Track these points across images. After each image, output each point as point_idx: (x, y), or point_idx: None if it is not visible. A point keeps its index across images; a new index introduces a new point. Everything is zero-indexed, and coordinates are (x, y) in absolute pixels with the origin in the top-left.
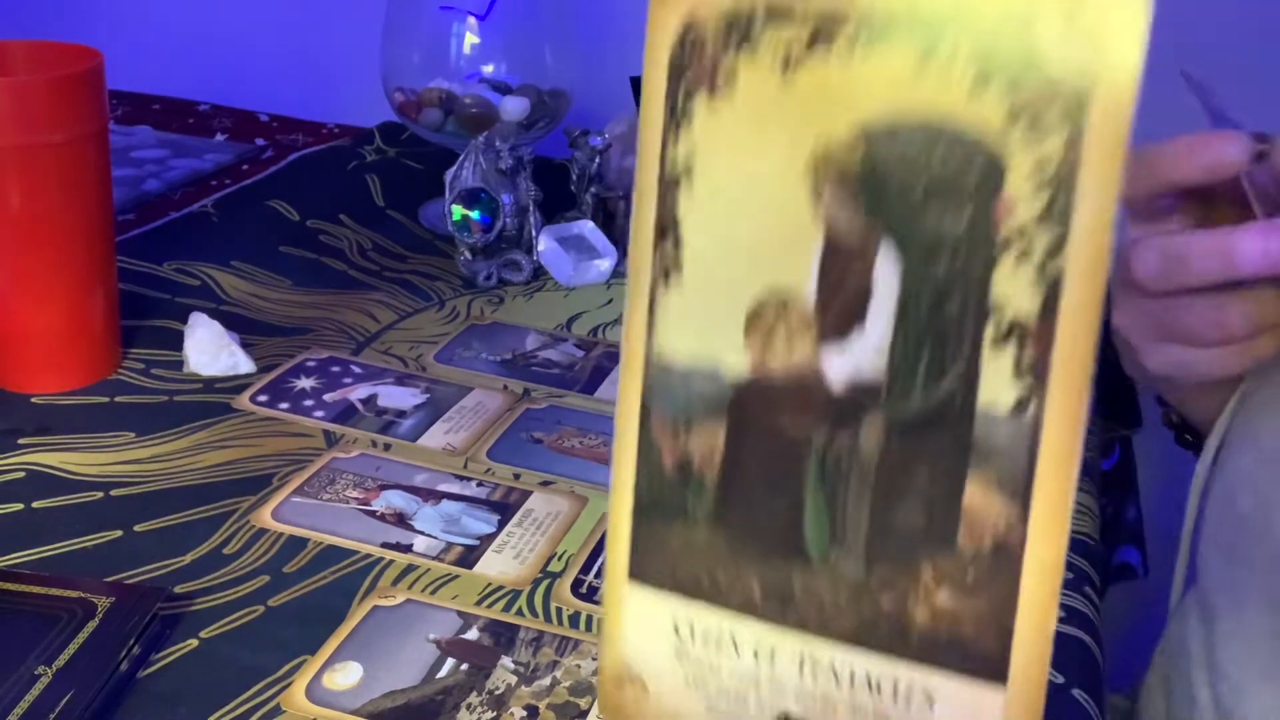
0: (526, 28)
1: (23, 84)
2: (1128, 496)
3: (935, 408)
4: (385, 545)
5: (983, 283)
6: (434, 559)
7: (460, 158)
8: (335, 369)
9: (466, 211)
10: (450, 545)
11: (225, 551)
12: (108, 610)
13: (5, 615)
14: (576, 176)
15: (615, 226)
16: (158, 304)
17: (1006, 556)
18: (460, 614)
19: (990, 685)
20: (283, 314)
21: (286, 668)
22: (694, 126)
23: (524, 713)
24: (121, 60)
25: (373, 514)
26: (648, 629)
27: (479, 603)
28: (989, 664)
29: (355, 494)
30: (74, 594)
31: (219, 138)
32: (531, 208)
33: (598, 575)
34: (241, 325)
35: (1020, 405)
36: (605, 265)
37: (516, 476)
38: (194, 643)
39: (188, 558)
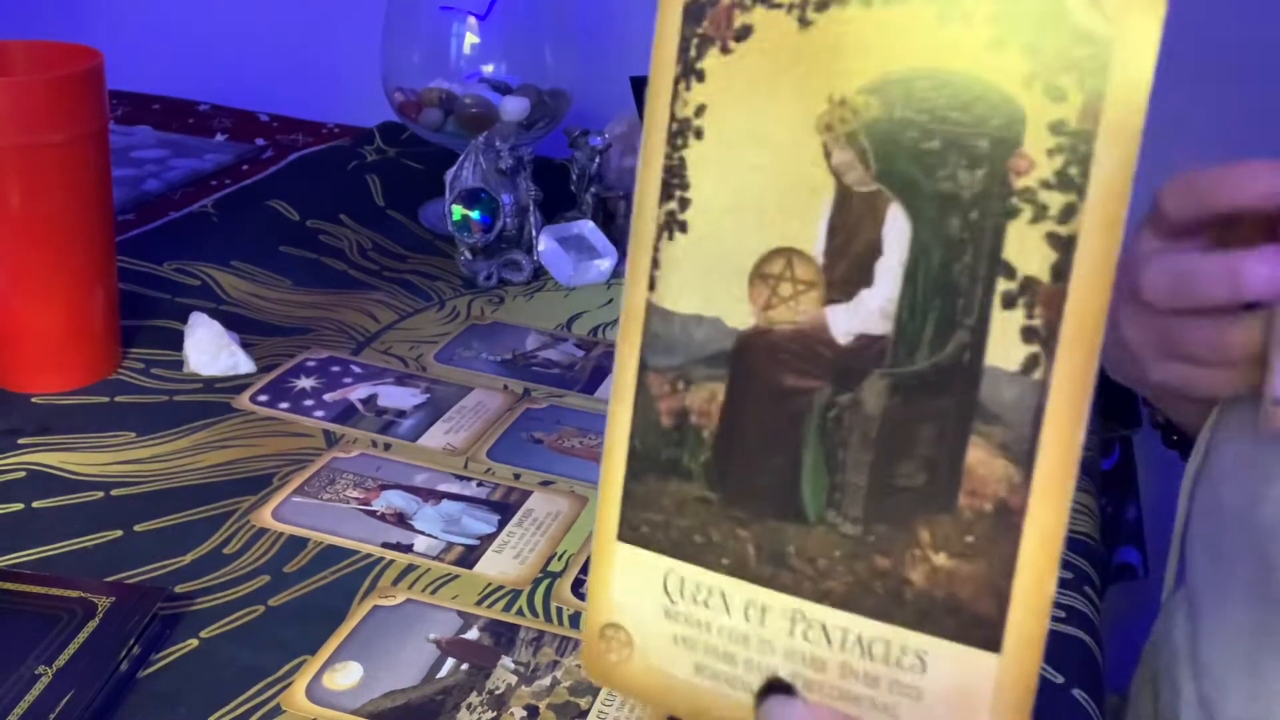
0: (526, 28)
1: (23, 84)
2: (1128, 496)
3: (942, 366)
4: (385, 545)
5: (995, 241)
6: (434, 559)
7: (460, 158)
8: (335, 369)
9: (466, 211)
10: (450, 545)
11: (225, 551)
12: (108, 610)
13: (5, 615)
14: (576, 176)
15: (615, 226)
16: (158, 304)
17: (1007, 520)
18: (460, 614)
19: (984, 651)
20: (283, 314)
21: (286, 668)
22: (706, 78)
23: (524, 712)
24: (121, 60)
25: (373, 514)
26: (636, 586)
27: (479, 603)
28: (984, 630)
29: (355, 494)
30: (74, 594)
31: (219, 138)
32: (531, 208)
33: None
34: (241, 325)
35: (1028, 366)
36: (605, 265)
37: (517, 476)
38: (194, 643)
39: (188, 558)
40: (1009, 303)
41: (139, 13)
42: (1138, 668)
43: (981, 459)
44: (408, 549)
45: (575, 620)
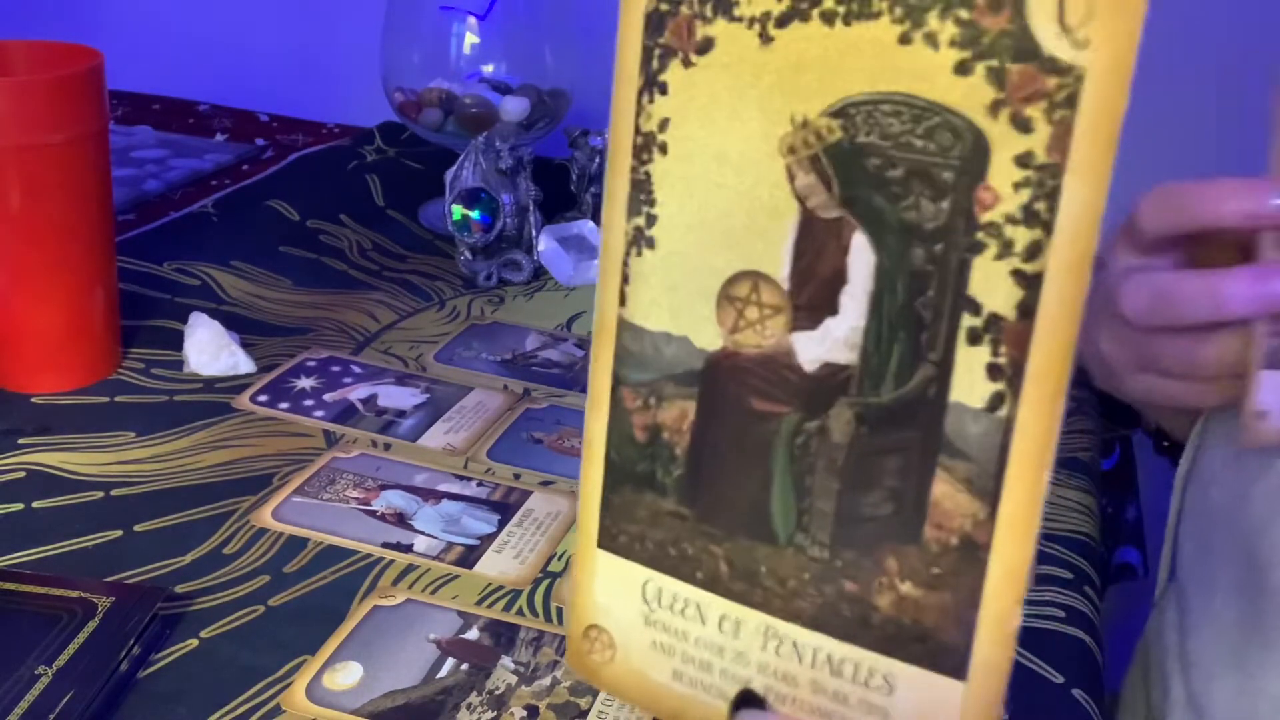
0: (526, 28)
1: (23, 84)
2: (1128, 496)
3: (907, 400)
4: (385, 545)
5: (960, 276)
6: (434, 559)
7: (460, 158)
8: (335, 369)
9: (466, 211)
10: (450, 545)
11: (225, 551)
12: (108, 610)
13: (5, 615)
14: (576, 176)
15: None
16: (158, 304)
17: (972, 554)
18: (460, 614)
19: (950, 679)
20: (283, 314)
21: (286, 668)
22: (669, 91)
23: (524, 713)
24: (121, 60)
25: (373, 514)
26: (617, 593)
27: (479, 603)
28: (950, 657)
29: (355, 494)
30: (74, 594)
31: (219, 138)
32: (531, 208)
33: None
34: (241, 325)
35: (993, 404)
36: None
37: (517, 476)
38: (194, 643)
39: (188, 558)
40: (974, 339)
41: (139, 13)
42: (1131, 664)
43: (947, 493)
44: (408, 549)
45: None
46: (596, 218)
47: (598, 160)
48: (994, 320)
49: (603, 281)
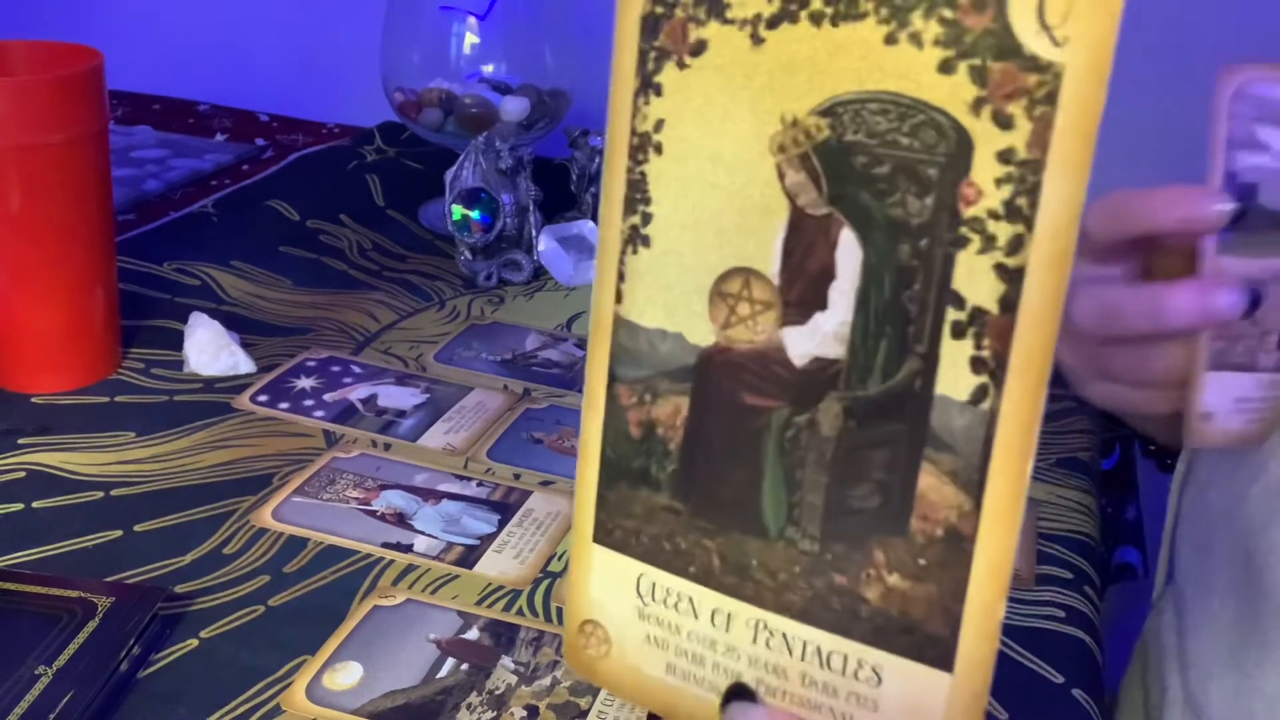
0: (526, 28)
1: (23, 84)
2: (1128, 496)
3: (894, 393)
4: (385, 545)
5: (945, 270)
6: (434, 559)
7: (460, 158)
8: (335, 369)
9: (466, 211)
10: (450, 545)
11: (225, 551)
12: (108, 610)
13: (5, 615)
14: (576, 176)
15: None
16: (158, 304)
17: (958, 545)
18: (460, 614)
19: (937, 670)
20: (283, 314)
21: (286, 668)
22: (664, 92)
23: (524, 713)
24: (121, 60)
25: (373, 514)
26: (612, 587)
27: (479, 603)
28: (936, 649)
29: (355, 494)
30: (74, 594)
31: (219, 138)
32: (531, 208)
33: None
34: (241, 325)
35: (977, 397)
36: None
37: (517, 476)
38: (194, 643)
39: (188, 558)
40: (958, 333)
41: (139, 13)
42: (1129, 665)
43: (933, 485)
44: (408, 549)
45: None
46: (596, 218)
47: (597, 160)
48: (977, 314)
49: (599, 279)
